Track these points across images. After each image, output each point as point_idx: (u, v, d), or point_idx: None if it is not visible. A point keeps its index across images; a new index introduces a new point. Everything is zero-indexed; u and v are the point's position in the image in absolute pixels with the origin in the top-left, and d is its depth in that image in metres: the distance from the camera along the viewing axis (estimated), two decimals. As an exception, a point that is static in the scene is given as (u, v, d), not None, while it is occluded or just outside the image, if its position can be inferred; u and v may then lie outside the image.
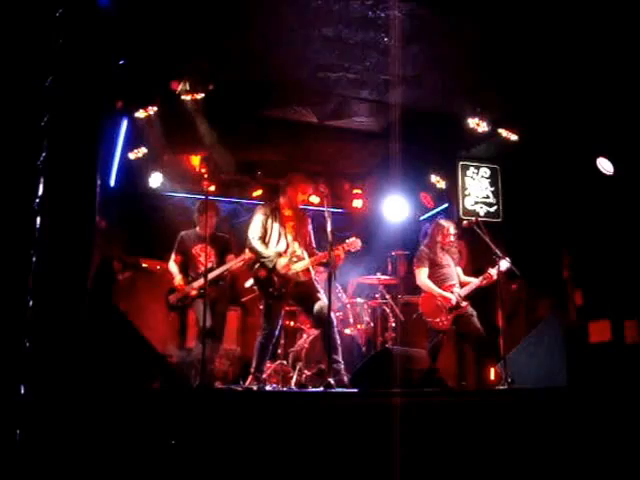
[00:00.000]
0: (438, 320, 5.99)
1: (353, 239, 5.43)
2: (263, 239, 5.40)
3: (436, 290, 6.07)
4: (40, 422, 3.03)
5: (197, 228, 6.18)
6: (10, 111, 3.29)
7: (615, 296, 6.50)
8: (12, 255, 3.19)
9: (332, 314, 5.18)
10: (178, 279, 6.02)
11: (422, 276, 6.19)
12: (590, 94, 5.96)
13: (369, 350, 6.67)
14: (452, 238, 6.25)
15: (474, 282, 6.07)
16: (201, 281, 5.67)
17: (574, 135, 6.54)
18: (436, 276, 6.17)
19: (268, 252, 5.35)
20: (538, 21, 5.19)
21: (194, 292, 5.94)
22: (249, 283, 5.51)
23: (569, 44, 5.43)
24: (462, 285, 6.18)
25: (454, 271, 6.24)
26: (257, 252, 5.36)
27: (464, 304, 5.98)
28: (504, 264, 5.72)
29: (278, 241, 5.43)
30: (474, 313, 6.02)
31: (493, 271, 5.85)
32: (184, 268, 6.14)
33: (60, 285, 3.24)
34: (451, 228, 6.28)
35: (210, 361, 6.10)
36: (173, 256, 6.19)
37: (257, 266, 5.38)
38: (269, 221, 5.44)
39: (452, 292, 6.03)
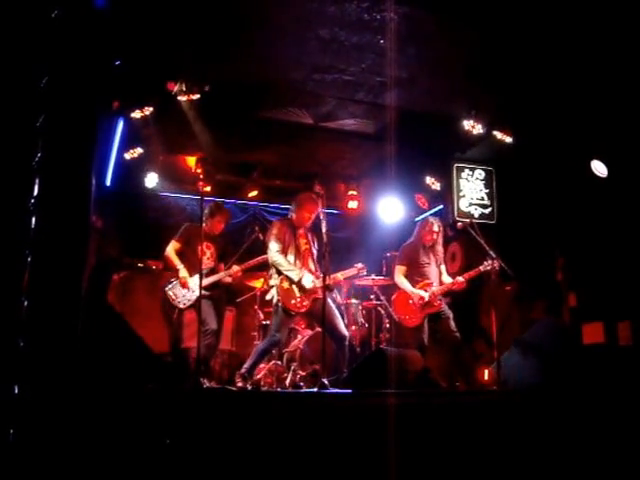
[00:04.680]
0: (407, 317, 6.04)
1: (356, 267, 5.87)
2: (283, 252, 5.51)
3: (409, 288, 6.08)
4: (34, 421, 3.04)
5: (204, 225, 5.75)
6: (5, 111, 3.30)
7: (608, 298, 6.53)
8: (7, 255, 3.19)
9: (347, 330, 5.60)
10: (184, 273, 5.82)
11: (398, 274, 6.23)
12: (584, 97, 5.98)
13: (364, 351, 6.69)
14: (434, 236, 6.18)
15: (447, 284, 6.09)
16: (204, 281, 5.37)
17: (568, 137, 6.57)
18: (414, 274, 6.16)
19: (292, 265, 5.47)
20: (533, 24, 5.21)
21: (199, 292, 5.85)
22: (269, 296, 5.53)
23: (564, 47, 5.45)
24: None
25: (434, 270, 6.20)
26: (281, 265, 5.46)
27: (437, 303, 5.98)
28: (484, 266, 5.82)
29: (295, 256, 5.56)
30: (451, 315, 6.00)
31: (460, 278, 6.02)
32: (182, 259, 5.95)
33: (55, 285, 3.24)
34: (434, 226, 6.20)
35: (206, 361, 6.09)
36: (174, 243, 5.99)
37: (280, 278, 5.45)
38: (286, 237, 5.57)
39: (426, 290, 6.02)
